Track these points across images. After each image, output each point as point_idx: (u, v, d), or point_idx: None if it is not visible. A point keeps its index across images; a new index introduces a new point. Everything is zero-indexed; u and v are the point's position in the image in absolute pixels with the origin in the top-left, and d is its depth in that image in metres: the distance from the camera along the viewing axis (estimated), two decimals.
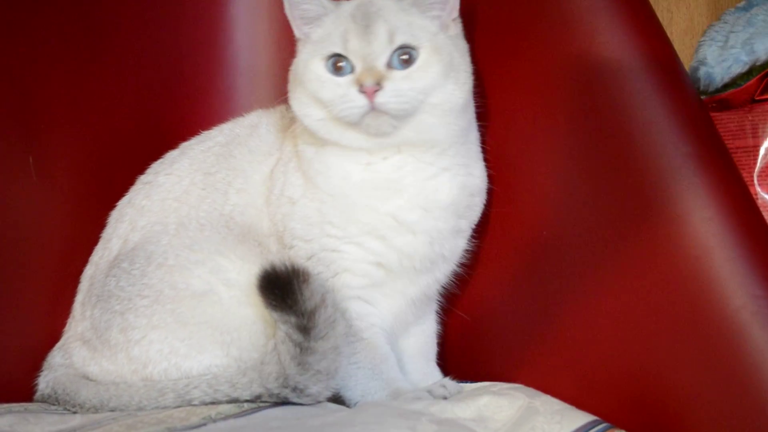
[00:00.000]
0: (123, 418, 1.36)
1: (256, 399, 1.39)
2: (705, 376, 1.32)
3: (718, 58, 1.73)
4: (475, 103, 1.54)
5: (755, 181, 1.74)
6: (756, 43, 1.70)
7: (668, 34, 1.52)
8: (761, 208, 1.51)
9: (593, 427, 1.35)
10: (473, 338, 1.65)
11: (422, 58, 1.44)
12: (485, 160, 1.59)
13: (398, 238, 1.49)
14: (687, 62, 1.78)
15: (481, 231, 1.60)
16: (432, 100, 1.44)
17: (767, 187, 1.74)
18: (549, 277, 1.54)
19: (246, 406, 1.38)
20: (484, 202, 1.59)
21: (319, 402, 1.39)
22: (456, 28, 1.52)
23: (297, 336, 1.36)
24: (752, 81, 1.73)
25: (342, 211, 1.49)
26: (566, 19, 1.53)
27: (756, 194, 1.72)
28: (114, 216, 1.62)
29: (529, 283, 1.57)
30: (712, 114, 1.72)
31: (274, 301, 1.37)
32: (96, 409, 1.45)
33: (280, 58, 1.87)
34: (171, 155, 1.64)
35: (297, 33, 1.51)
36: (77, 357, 1.53)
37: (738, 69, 1.72)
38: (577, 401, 1.42)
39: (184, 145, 1.66)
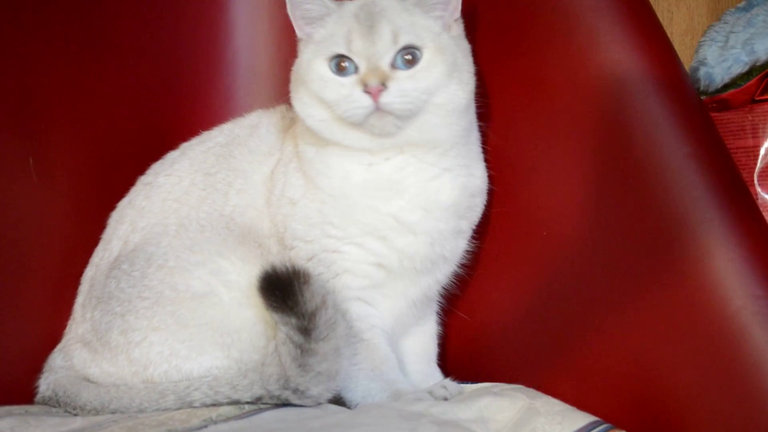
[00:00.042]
0: (124, 420, 1.36)
1: (257, 401, 1.39)
2: (706, 377, 1.32)
3: (718, 58, 1.73)
4: (476, 103, 1.54)
5: (755, 182, 1.74)
6: (756, 44, 1.70)
7: (668, 35, 1.52)
8: (761, 209, 1.51)
9: (594, 428, 1.35)
10: (474, 339, 1.65)
11: (426, 58, 1.44)
12: (485, 160, 1.59)
13: (399, 239, 1.49)
14: (687, 62, 1.78)
15: (481, 232, 1.60)
16: (436, 101, 1.44)
17: (767, 188, 1.74)
18: (549, 277, 1.54)
19: (247, 407, 1.38)
20: (485, 202, 1.59)
21: (320, 404, 1.39)
22: (458, 29, 1.52)
23: (298, 337, 1.36)
24: (752, 81, 1.73)
25: (343, 212, 1.48)
26: (567, 20, 1.53)
27: (756, 194, 1.72)
28: (114, 217, 1.62)
29: (529, 284, 1.57)
30: (712, 114, 1.72)
31: (275, 303, 1.37)
32: (97, 411, 1.45)
33: (281, 58, 1.87)
34: (171, 156, 1.64)
35: (299, 33, 1.51)
36: (78, 359, 1.53)
37: (738, 69, 1.72)
38: (578, 402, 1.42)
39: (185, 145, 1.65)
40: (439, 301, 1.64)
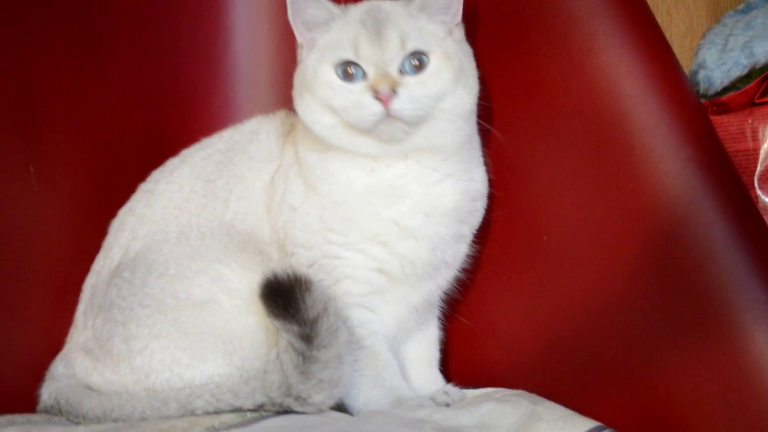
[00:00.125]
0: (126, 429, 1.36)
1: (258, 408, 1.39)
2: (708, 381, 1.32)
3: (717, 61, 1.73)
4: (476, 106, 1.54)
5: (756, 185, 1.74)
6: (755, 46, 1.71)
7: (667, 37, 1.52)
8: (762, 212, 1.51)
9: None
10: (475, 344, 1.65)
11: (434, 63, 1.44)
12: (486, 164, 1.59)
13: (400, 245, 1.49)
14: (686, 64, 1.78)
15: (482, 236, 1.60)
16: (443, 106, 1.44)
17: None
18: (550, 282, 1.54)
19: (249, 415, 1.38)
20: (485, 206, 1.59)
21: (322, 411, 1.38)
22: (459, 33, 1.52)
23: (299, 345, 1.36)
24: (752, 84, 1.73)
25: (344, 218, 1.48)
26: (565, 23, 1.53)
27: (756, 198, 1.72)
28: (115, 224, 1.61)
29: (530, 288, 1.57)
30: (712, 117, 1.72)
31: (277, 310, 1.37)
32: (99, 420, 1.45)
33: (280, 63, 1.87)
34: (171, 162, 1.64)
35: (299, 38, 1.50)
36: (80, 367, 1.53)
37: (737, 72, 1.72)
38: (581, 407, 1.42)
39: (185, 152, 1.65)
40: (441, 306, 1.64)
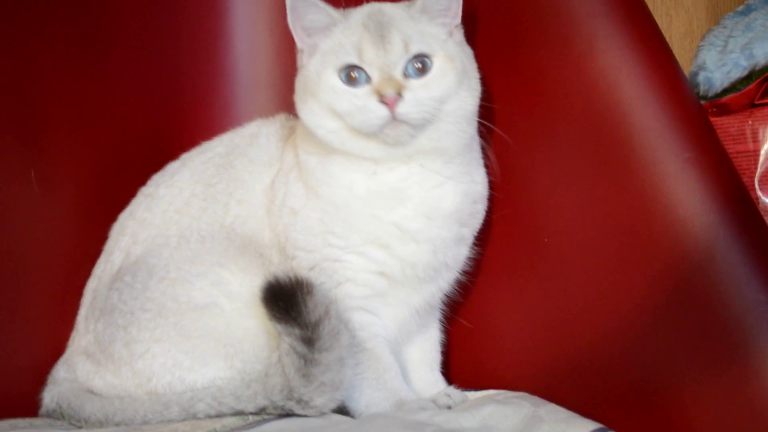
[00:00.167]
0: None
1: (260, 411, 1.39)
2: (709, 383, 1.32)
3: (717, 62, 1.74)
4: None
5: (756, 186, 1.74)
6: (755, 48, 1.71)
7: (667, 39, 1.52)
8: (762, 213, 1.51)
9: None
10: (477, 346, 1.65)
11: (437, 66, 1.44)
12: (485, 166, 1.59)
13: (401, 247, 1.49)
14: (686, 65, 1.78)
15: (483, 238, 1.60)
16: (447, 108, 1.45)
17: None
18: (551, 284, 1.54)
19: (251, 418, 1.38)
20: (486, 209, 1.59)
21: (324, 414, 1.38)
22: (459, 35, 1.52)
23: (301, 348, 1.36)
24: (752, 85, 1.74)
25: (345, 221, 1.48)
26: (565, 25, 1.53)
27: (757, 199, 1.73)
28: (116, 229, 1.62)
29: (531, 290, 1.57)
30: (712, 119, 1.72)
31: (278, 313, 1.37)
32: (101, 424, 1.45)
33: (280, 67, 1.87)
34: (172, 166, 1.64)
35: (299, 44, 1.50)
36: (81, 371, 1.53)
37: (737, 74, 1.72)
38: (582, 409, 1.42)
39: (185, 156, 1.65)
40: (442, 309, 1.64)
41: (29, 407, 1.53)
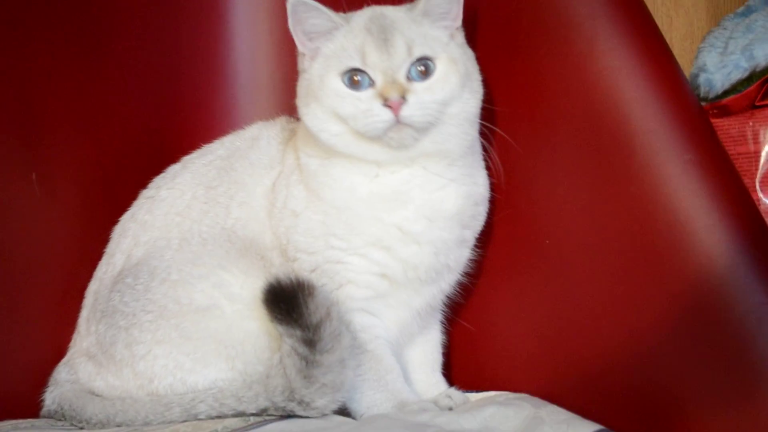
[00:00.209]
0: None
1: (262, 412, 1.39)
2: (711, 385, 1.32)
3: (718, 64, 1.74)
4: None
5: (757, 187, 1.74)
6: (755, 49, 1.71)
7: (668, 40, 1.52)
8: (764, 214, 1.51)
9: None
10: (478, 348, 1.65)
11: (440, 69, 1.44)
12: (487, 168, 1.59)
13: (403, 249, 1.49)
14: (687, 67, 1.78)
15: (484, 240, 1.60)
16: (451, 111, 1.45)
17: None
18: (553, 286, 1.54)
19: (252, 419, 1.39)
20: (487, 210, 1.59)
21: (325, 415, 1.39)
22: (460, 37, 1.52)
23: (302, 349, 1.36)
24: (752, 87, 1.73)
25: (347, 223, 1.48)
26: (565, 26, 1.53)
27: (758, 200, 1.72)
28: (117, 231, 1.62)
29: (532, 292, 1.57)
30: (713, 120, 1.72)
31: (280, 315, 1.38)
32: (102, 425, 1.45)
33: (281, 70, 1.88)
34: (173, 169, 1.64)
35: (300, 48, 1.50)
36: (83, 372, 1.53)
37: (738, 75, 1.72)
38: (583, 410, 1.42)
39: (186, 158, 1.65)
40: (443, 311, 1.64)
41: (31, 408, 1.54)
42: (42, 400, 1.54)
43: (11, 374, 1.55)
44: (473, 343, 1.65)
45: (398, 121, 1.40)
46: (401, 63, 1.43)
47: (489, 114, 1.55)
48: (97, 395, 1.51)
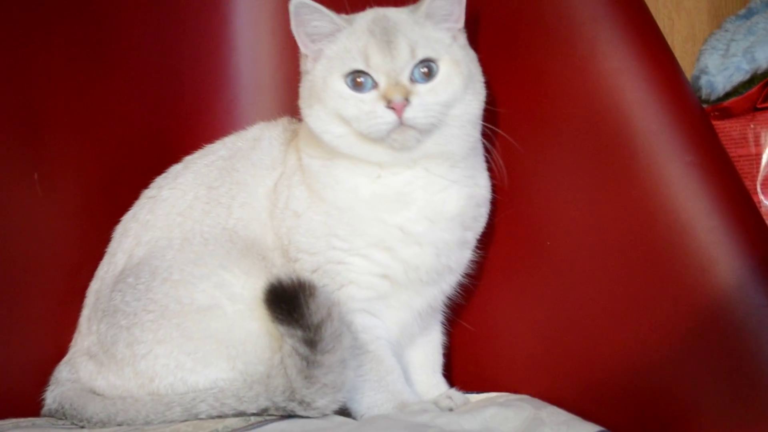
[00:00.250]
0: None
1: (262, 412, 1.39)
2: (712, 387, 1.32)
3: (719, 66, 1.74)
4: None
5: (758, 190, 1.74)
6: (757, 51, 1.71)
7: (669, 42, 1.52)
8: (764, 217, 1.51)
9: None
10: (479, 349, 1.65)
11: (443, 70, 1.44)
12: (489, 169, 1.59)
13: (405, 250, 1.49)
14: (688, 69, 1.78)
15: (486, 242, 1.61)
16: (454, 112, 1.45)
17: None
18: (554, 287, 1.54)
19: (253, 419, 1.39)
20: (489, 212, 1.60)
21: (326, 415, 1.39)
22: (463, 38, 1.52)
23: (303, 349, 1.36)
24: (754, 89, 1.73)
25: (348, 224, 1.48)
26: (567, 28, 1.53)
27: (759, 203, 1.73)
28: (119, 231, 1.62)
29: (533, 293, 1.57)
30: (714, 123, 1.72)
31: (281, 315, 1.38)
32: (103, 424, 1.45)
33: (283, 71, 1.88)
34: (174, 169, 1.65)
35: (303, 49, 1.50)
36: (84, 372, 1.53)
37: (739, 77, 1.72)
38: (584, 412, 1.42)
39: (188, 159, 1.66)
40: (444, 312, 1.64)
41: (31, 407, 1.54)
42: (43, 399, 1.54)
43: (12, 373, 1.55)
44: (474, 344, 1.65)
45: (401, 123, 1.41)
46: (404, 65, 1.43)
47: (491, 115, 1.55)
48: (98, 394, 1.51)
